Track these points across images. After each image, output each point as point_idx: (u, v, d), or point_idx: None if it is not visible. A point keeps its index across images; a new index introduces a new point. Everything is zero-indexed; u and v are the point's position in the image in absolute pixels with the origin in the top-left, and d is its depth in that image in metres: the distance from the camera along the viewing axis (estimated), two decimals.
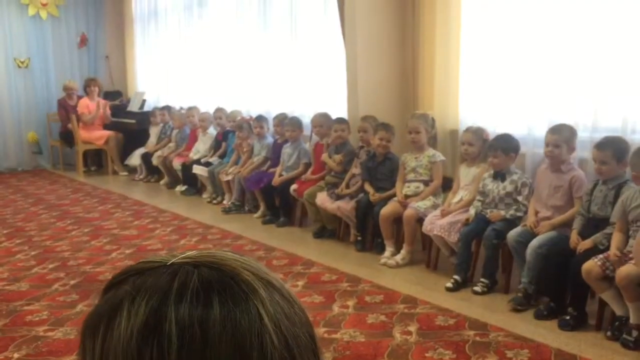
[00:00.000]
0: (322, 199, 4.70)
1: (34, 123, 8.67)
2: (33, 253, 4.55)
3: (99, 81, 8.31)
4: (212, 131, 6.69)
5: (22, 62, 8.55)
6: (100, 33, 9.09)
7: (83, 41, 8.96)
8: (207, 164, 6.39)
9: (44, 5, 8.55)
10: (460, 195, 3.98)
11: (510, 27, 4.10)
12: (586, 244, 3.12)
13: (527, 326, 3.10)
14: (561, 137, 3.42)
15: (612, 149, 3.16)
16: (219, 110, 6.58)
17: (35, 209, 6.13)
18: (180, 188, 6.77)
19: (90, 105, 8.00)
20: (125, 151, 8.04)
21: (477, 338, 2.95)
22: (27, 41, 8.53)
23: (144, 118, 7.95)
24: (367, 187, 4.44)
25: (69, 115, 8.02)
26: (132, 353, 0.53)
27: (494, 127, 4.14)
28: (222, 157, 6.41)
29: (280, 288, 0.60)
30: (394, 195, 4.27)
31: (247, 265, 0.59)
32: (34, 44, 8.58)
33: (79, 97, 8.15)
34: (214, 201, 6.19)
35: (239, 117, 6.25)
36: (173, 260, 0.58)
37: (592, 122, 3.68)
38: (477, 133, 3.95)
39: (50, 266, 4.22)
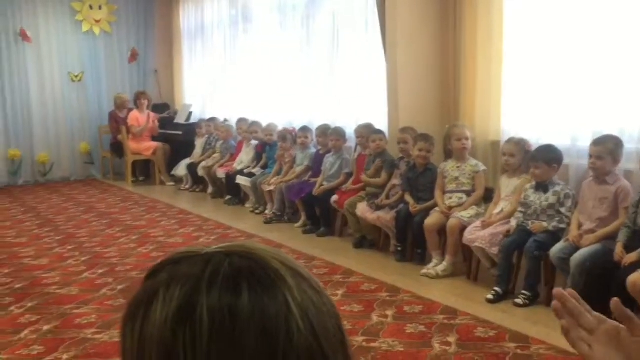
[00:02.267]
0: (363, 209, 4.72)
1: (86, 135, 9.00)
2: (83, 259, 4.72)
3: (149, 94, 8.57)
4: (254, 142, 6.82)
5: (76, 76, 8.90)
6: (150, 48, 9.39)
7: (133, 56, 9.28)
8: (250, 175, 6.51)
9: (97, 21, 8.90)
10: (501, 206, 3.94)
11: (552, 36, 4.06)
12: (632, 257, 3.05)
13: None
14: (605, 148, 3.37)
15: None
16: (254, 124, 6.73)
17: (86, 216, 6.36)
18: (225, 198, 6.91)
19: (140, 118, 8.25)
20: (172, 162, 8.25)
21: (518, 351, 2.91)
22: (81, 56, 8.89)
23: (191, 130, 8.15)
24: (408, 197, 4.45)
25: (120, 127, 8.30)
26: (166, 336, 0.57)
27: (537, 138, 4.09)
28: (264, 167, 6.52)
29: (308, 278, 0.62)
30: (434, 206, 4.26)
31: (277, 255, 0.62)
32: (87, 59, 8.93)
33: (129, 110, 8.43)
34: (257, 211, 6.29)
35: (277, 130, 6.36)
36: (207, 250, 0.62)
37: (638, 133, 3.60)
38: (519, 144, 3.92)
39: (100, 271, 4.37)
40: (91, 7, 8.83)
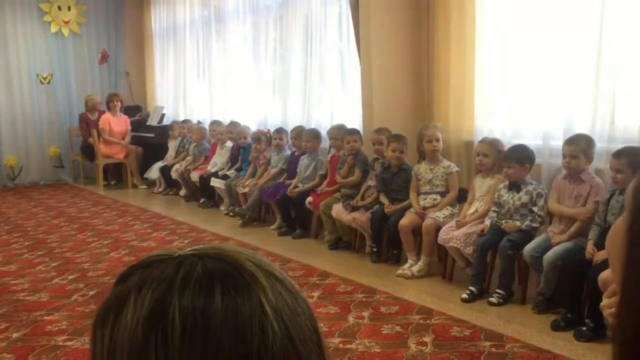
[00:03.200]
0: (338, 211, 4.72)
1: (55, 138, 8.83)
2: (54, 264, 4.63)
3: (122, 96, 8.44)
4: (230, 144, 6.77)
5: (45, 78, 8.73)
6: (121, 49, 9.26)
7: (104, 57, 9.14)
8: (225, 177, 6.46)
9: (66, 22, 8.75)
10: (475, 206, 3.98)
11: (525, 37, 4.11)
12: (602, 254, 3.09)
13: (543, 337, 3.07)
14: (578, 147, 3.42)
15: (628, 157, 3.15)
16: (232, 124, 6.68)
17: (56, 221, 6.24)
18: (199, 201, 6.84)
19: (112, 121, 8.12)
20: (145, 165, 8.15)
21: (493, 349, 2.93)
22: (50, 58, 8.72)
23: (163, 132, 8.06)
24: (382, 198, 4.46)
25: (90, 130, 8.16)
26: (138, 340, 0.55)
27: (510, 138, 4.14)
28: (239, 170, 6.48)
29: (283, 280, 0.61)
30: (409, 206, 4.28)
31: (251, 257, 0.61)
32: (56, 61, 8.77)
33: (101, 112, 8.29)
34: (231, 213, 6.24)
35: (250, 132, 6.33)
36: (179, 253, 0.61)
37: (608, 133, 3.66)
38: (492, 144, 3.95)
39: (70, 277, 4.28)
40: (60, 8, 8.68)
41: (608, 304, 0.85)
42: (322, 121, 5.81)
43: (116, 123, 8.15)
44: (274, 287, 0.59)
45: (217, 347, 0.55)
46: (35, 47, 8.61)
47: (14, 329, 3.34)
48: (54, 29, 8.68)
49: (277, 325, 0.57)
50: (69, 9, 8.74)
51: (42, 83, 8.71)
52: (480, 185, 4.00)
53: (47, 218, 6.43)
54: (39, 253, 4.98)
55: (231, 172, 6.51)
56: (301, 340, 0.58)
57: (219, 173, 6.60)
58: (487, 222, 3.76)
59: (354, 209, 4.61)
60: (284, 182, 5.65)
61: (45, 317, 3.52)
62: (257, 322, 0.56)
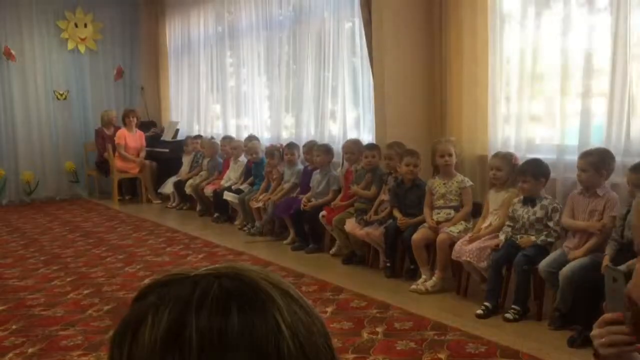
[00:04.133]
0: (351, 226, 4.71)
1: (71, 153, 8.92)
2: (69, 279, 4.66)
3: (137, 112, 8.53)
4: (243, 159, 6.80)
5: (61, 94, 8.85)
6: (136, 65, 9.37)
7: (119, 73, 9.25)
8: (238, 191, 6.48)
9: (83, 39, 8.88)
10: (489, 220, 3.95)
11: (538, 50, 4.10)
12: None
13: (560, 354, 3.03)
14: (587, 161, 3.40)
15: None
16: (248, 138, 6.71)
17: (71, 236, 6.29)
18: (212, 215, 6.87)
19: (128, 136, 8.20)
20: (159, 180, 8.21)
21: None
22: (66, 74, 8.85)
23: (178, 147, 8.12)
24: (396, 212, 4.45)
25: (106, 145, 8.25)
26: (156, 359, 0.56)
27: (524, 152, 4.12)
28: (252, 184, 6.50)
29: (298, 298, 0.62)
30: (423, 221, 4.26)
31: (266, 275, 0.62)
32: (73, 77, 8.89)
33: (116, 127, 8.38)
34: (245, 228, 6.25)
35: (260, 148, 6.36)
36: (196, 272, 0.62)
37: (623, 146, 3.63)
38: (506, 158, 3.94)
39: (85, 292, 4.31)
40: (76, 25, 8.81)
41: (598, 334, 0.84)
42: (335, 136, 5.82)
43: (132, 138, 8.23)
44: (290, 306, 0.60)
45: None
46: (52, 63, 8.74)
47: (30, 344, 3.36)
48: (70, 45, 8.82)
49: (293, 344, 0.57)
50: (85, 25, 8.88)
51: (58, 99, 8.82)
52: (495, 200, 3.98)
53: (62, 233, 6.48)
54: (55, 268, 5.01)
55: (245, 187, 6.54)
56: (316, 357, 0.59)
57: (233, 187, 6.62)
58: (502, 236, 3.73)
59: (368, 223, 4.60)
60: (297, 197, 5.66)
61: (61, 332, 3.54)
62: (274, 341, 0.57)
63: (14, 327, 3.65)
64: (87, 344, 3.34)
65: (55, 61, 8.76)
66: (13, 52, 8.44)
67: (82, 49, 8.90)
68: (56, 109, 8.81)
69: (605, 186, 3.45)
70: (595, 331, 0.85)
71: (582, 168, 3.41)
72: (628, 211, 3.22)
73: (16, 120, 8.53)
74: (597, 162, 3.41)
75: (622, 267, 3.05)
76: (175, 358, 0.55)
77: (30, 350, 3.29)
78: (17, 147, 8.57)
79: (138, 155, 8.25)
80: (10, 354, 3.24)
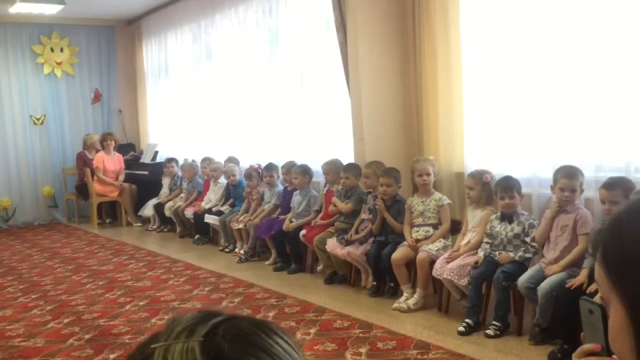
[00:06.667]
0: (332, 245, 4.74)
1: (49, 178, 8.84)
2: (49, 308, 4.60)
3: (116, 135, 8.50)
4: (223, 181, 6.80)
5: (38, 119, 8.78)
6: (113, 88, 9.34)
7: (97, 97, 9.21)
8: (219, 213, 6.47)
9: (59, 64, 8.83)
10: (468, 237, 4.01)
11: (513, 69, 4.17)
12: (595, 286, 3.11)
13: None
14: (577, 181, 3.47)
15: (621, 188, 3.19)
16: (228, 161, 6.71)
17: (50, 262, 6.21)
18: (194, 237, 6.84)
19: (106, 160, 8.16)
20: (140, 202, 8.16)
21: None
22: (43, 98, 8.78)
23: (157, 169, 8.09)
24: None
25: (85, 169, 8.19)
26: None
27: (500, 170, 4.18)
28: (233, 205, 6.50)
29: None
30: (400, 231, 4.30)
31: (252, 346, 0.64)
32: (49, 101, 8.82)
33: (97, 151, 8.34)
34: (227, 249, 6.24)
35: (236, 169, 6.37)
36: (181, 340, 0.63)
37: (595, 162, 3.72)
38: (475, 177, 4.01)
39: (66, 320, 4.26)
40: (52, 50, 8.77)
41: None
42: (315, 156, 5.85)
43: (110, 162, 8.19)
44: None
45: None
46: (28, 88, 8.67)
47: None
48: (46, 70, 8.76)
49: None
50: (62, 50, 8.83)
51: (35, 124, 8.75)
52: (473, 217, 4.04)
53: (41, 260, 6.40)
54: (34, 296, 4.95)
55: (225, 208, 6.53)
56: None
57: (213, 209, 6.61)
58: (481, 253, 3.78)
59: (348, 242, 4.63)
60: (277, 218, 5.67)
61: None
62: None
63: None
64: None
65: (31, 86, 8.69)
66: None
67: (58, 73, 8.85)
68: (33, 133, 8.73)
69: (575, 202, 3.51)
70: None
71: (570, 189, 3.46)
72: None
73: None
74: (582, 182, 3.48)
75: (597, 297, 3.11)
76: None
77: None
78: None
79: (117, 178, 8.21)
80: None
